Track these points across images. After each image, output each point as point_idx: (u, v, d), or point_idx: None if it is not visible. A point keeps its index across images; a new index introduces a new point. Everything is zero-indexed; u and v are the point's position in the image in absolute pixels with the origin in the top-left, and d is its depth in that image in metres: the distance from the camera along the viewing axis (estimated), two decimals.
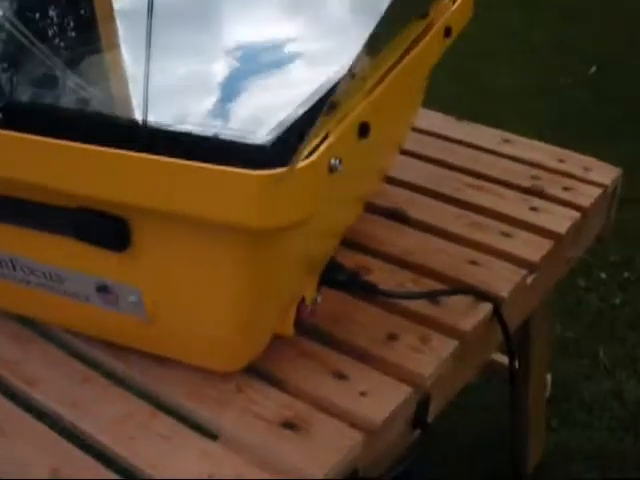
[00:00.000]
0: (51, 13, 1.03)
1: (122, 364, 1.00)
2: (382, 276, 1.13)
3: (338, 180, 0.80)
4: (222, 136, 0.73)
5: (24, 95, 0.87)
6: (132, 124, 0.77)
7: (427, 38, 0.95)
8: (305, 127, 0.74)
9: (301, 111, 0.75)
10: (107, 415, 0.94)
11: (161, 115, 0.78)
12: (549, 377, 1.72)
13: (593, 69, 3.23)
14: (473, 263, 1.16)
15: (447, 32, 1.03)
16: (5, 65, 0.93)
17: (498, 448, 1.49)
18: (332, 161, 0.73)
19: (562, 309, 2.02)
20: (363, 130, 0.79)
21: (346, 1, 1.02)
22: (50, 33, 1.00)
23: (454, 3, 1.06)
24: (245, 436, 0.91)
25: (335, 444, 0.90)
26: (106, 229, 0.80)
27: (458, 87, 3.03)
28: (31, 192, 0.82)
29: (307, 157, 0.71)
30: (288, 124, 0.73)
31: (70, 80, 0.89)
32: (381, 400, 0.95)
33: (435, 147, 1.44)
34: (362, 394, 0.96)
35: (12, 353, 1.03)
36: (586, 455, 1.71)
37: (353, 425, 0.92)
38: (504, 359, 1.54)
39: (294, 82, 0.83)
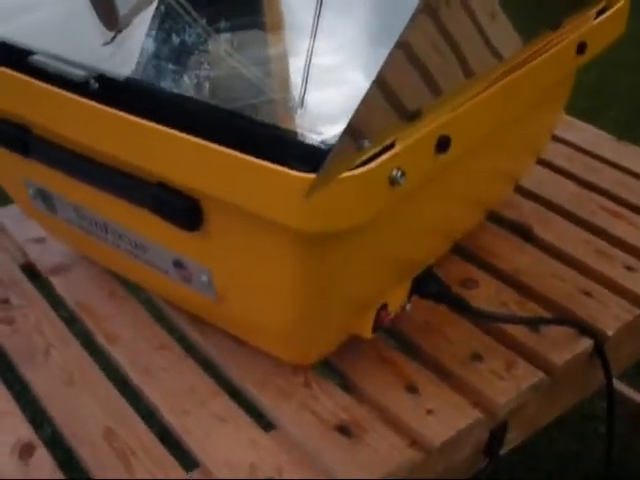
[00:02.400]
0: None
1: (200, 336, 1.02)
2: (487, 292, 1.09)
3: (420, 192, 0.77)
4: (281, 131, 0.70)
5: (123, 68, 0.87)
6: (201, 108, 0.76)
7: (548, 53, 0.89)
8: (371, 132, 0.71)
9: (369, 114, 0.71)
10: (171, 385, 0.95)
11: (223, 100, 0.78)
12: None
13: None
14: (586, 294, 1.09)
15: (581, 48, 0.96)
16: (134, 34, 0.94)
17: None
18: (394, 172, 0.70)
19: None
20: (442, 144, 0.75)
21: None
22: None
23: (598, 17, 0.99)
24: (297, 432, 0.90)
25: (384, 458, 0.87)
26: (180, 207, 0.80)
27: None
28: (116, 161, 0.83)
29: (366, 164, 0.68)
30: (353, 126, 0.70)
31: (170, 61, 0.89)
32: (447, 421, 0.92)
33: (583, 165, 1.37)
34: (429, 412, 0.93)
35: (104, 308, 1.06)
36: None
37: (410, 442, 0.90)
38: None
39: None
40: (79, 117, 0.83)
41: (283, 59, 0.86)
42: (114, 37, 1.02)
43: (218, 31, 0.97)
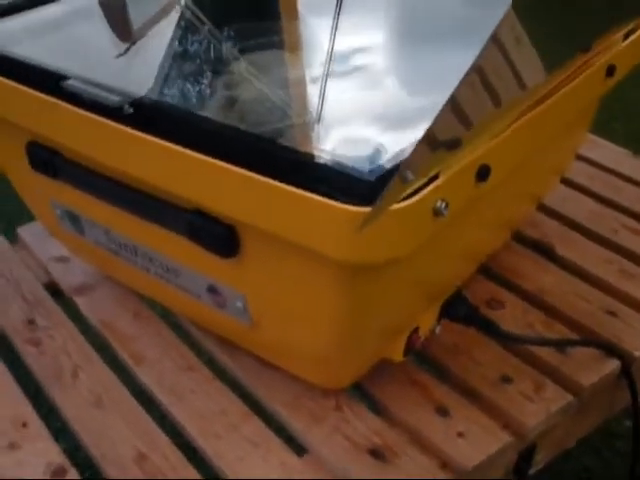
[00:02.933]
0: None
1: (229, 359, 1.02)
2: (513, 313, 1.09)
3: (456, 219, 0.77)
4: (323, 160, 0.70)
5: (152, 91, 0.88)
6: (239, 136, 0.76)
7: (579, 78, 0.89)
8: (414, 163, 0.71)
9: (412, 144, 0.71)
10: (201, 408, 0.95)
11: (260, 126, 0.78)
12: None
13: None
14: (611, 314, 1.09)
15: (610, 71, 0.96)
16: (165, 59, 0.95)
17: None
18: (438, 204, 0.70)
19: None
20: (482, 173, 0.75)
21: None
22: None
23: (625, 39, 0.99)
24: (329, 455, 0.90)
25: None
26: (216, 235, 0.80)
27: None
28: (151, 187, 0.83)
29: (410, 196, 0.68)
30: (396, 157, 0.70)
31: (204, 85, 0.89)
32: (478, 444, 0.92)
33: (603, 182, 1.37)
34: (460, 434, 0.93)
35: (130, 329, 1.07)
36: None
37: (442, 465, 0.90)
38: None
39: (408, 109, 0.80)
40: (113, 142, 0.83)
41: (320, 84, 0.86)
42: (128, 49, 1.02)
43: (244, 52, 0.98)
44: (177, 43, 1.03)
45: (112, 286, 1.13)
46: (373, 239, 0.68)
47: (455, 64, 0.80)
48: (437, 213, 0.70)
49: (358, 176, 0.68)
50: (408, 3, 1.08)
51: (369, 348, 0.89)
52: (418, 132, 0.72)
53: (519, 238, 1.22)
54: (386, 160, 0.70)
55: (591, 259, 1.19)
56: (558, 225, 1.26)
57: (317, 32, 1.02)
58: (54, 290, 1.16)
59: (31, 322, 1.09)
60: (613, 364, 1.02)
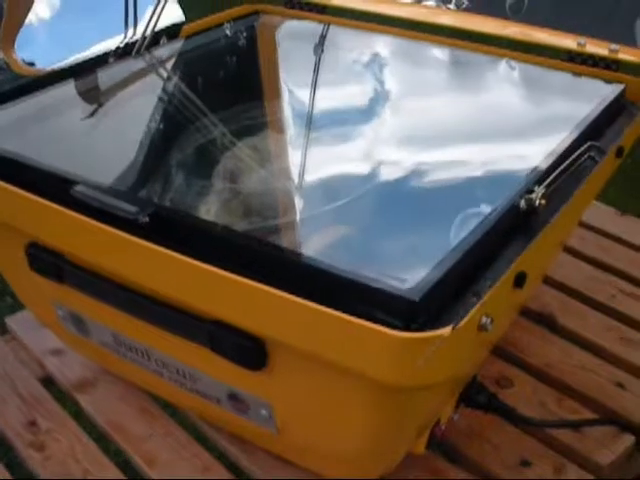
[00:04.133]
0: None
1: (246, 457, 0.99)
2: (524, 391, 1.08)
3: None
4: (364, 280, 0.68)
5: (175, 201, 0.86)
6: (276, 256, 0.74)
7: (598, 167, 0.90)
8: (458, 279, 0.70)
9: (455, 260, 0.71)
10: None
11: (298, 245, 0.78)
12: None
13: None
14: (619, 386, 1.10)
15: (619, 152, 0.97)
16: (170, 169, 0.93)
17: None
18: (483, 319, 0.69)
19: None
20: (519, 280, 0.74)
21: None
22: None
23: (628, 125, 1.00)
24: None
25: None
26: (242, 347, 0.78)
27: None
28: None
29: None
30: (440, 275, 0.69)
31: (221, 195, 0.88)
32: None
33: (593, 244, 1.38)
34: None
35: (138, 428, 1.03)
36: None
37: None
38: None
39: (447, 222, 0.79)
40: (128, 254, 0.80)
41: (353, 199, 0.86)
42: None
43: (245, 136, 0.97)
44: (169, 135, 1.02)
45: (112, 380, 1.10)
46: (421, 362, 0.66)
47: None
48: (482, 328, 0.69)
49: (401, 295, 0.66)
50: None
51: (399, 448, 0.88)
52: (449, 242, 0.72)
53: (521, 311, 1.22)
54: (426, 276, 0.69)
55: (592, 328, 1.20)
56: (557, 293, 1.26)
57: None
58: (53, 387, 1.12)
59: (32, 424, 1.05)
60: (628, 440, 1.02)
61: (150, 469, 0.98)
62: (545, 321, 1.21)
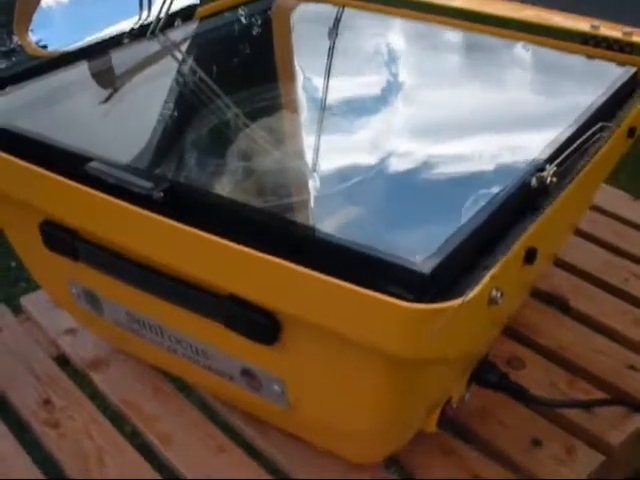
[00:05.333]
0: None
1: (261, 436, 1.00)
2: (535, 373, 1.08)
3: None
4: (377, 253, 0.68)
5: (189, 179, 0.86)
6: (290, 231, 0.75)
7: (607, 145, 0.89)
8: (469, 253, 0.71)
9: (466, 235, 0.71)
10: None
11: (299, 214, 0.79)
12: None
13: None
14: (632, 368, 1.10)
15: (631, 132, 0.97)
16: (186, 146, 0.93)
17: None
18: (493, 293, 0.69)
19: None
20: (530, 256, 0.74)
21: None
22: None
23: None
24: None
25: None
26: (256, 322, 0.78)
27: None
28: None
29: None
30: (452, 249, 0.69)
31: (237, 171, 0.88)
32: None
33: (607, 228, 1.38)
34: None
35: (152, 407, 1.04)
36: None
37: None
38: None
39: (459, 199, 0.79)
40: (143, 229, 0.80)
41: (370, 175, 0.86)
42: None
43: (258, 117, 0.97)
44: (183, 115, 1.02)
45: (127, 359, 1.11)
46: (433, 334, 0.66)
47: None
48: (492, 302, 0.69)
49: (413, 268, 0.67)
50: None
51: (410, 425, 0.88)
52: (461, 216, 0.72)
53: (532, 292, 1.22)
54: (437, 250, 0.69)
55: (605, 311, 1.19)
56: (569, 276, 1.26)
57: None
58: (68, 366, 1.13)
59: (47, 402, 1.06)
60: (639, 420, 1.02)
61: (165, 448, 0.99)
62: (557, 303, 1.21)
